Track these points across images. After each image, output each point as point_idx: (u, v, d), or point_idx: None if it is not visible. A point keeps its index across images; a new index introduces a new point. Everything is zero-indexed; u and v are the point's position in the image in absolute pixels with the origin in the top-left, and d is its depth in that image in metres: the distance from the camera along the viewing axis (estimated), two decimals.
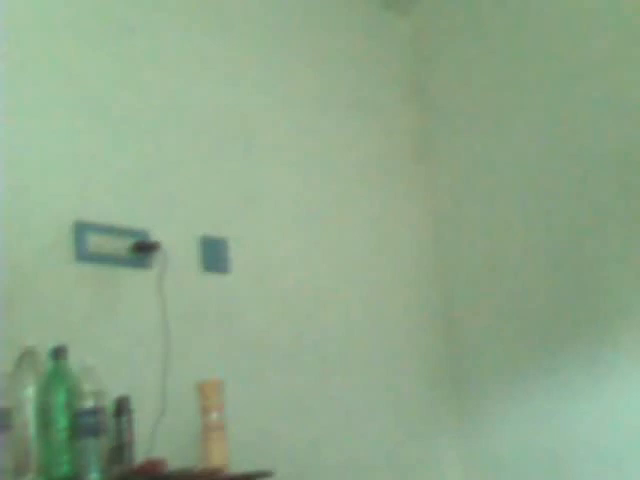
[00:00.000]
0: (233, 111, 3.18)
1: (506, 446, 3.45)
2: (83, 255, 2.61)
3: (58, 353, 2.20)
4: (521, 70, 3.54)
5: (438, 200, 3.82)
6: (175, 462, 2.38)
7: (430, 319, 3.69)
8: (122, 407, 2.34)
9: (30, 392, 2.18)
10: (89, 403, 2.21)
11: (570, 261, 3.29)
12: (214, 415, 2.47)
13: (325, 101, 3.54)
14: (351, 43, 3.74)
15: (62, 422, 2.15)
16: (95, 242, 2.65)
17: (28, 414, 2.16)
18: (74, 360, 2.22)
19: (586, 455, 3.18)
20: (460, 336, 3.67)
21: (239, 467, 2.46)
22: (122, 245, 2.72)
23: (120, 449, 2.29)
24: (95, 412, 2.21)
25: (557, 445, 3.28)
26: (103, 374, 2.28)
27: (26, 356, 2.21)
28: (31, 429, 2.15)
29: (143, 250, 2.75)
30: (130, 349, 2.63)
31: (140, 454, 2.36)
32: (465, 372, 3.63)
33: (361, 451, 3.22)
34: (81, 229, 2.62)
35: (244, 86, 3.24)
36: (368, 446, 3.25)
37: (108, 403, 2.27)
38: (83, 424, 2.18)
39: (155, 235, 2.79)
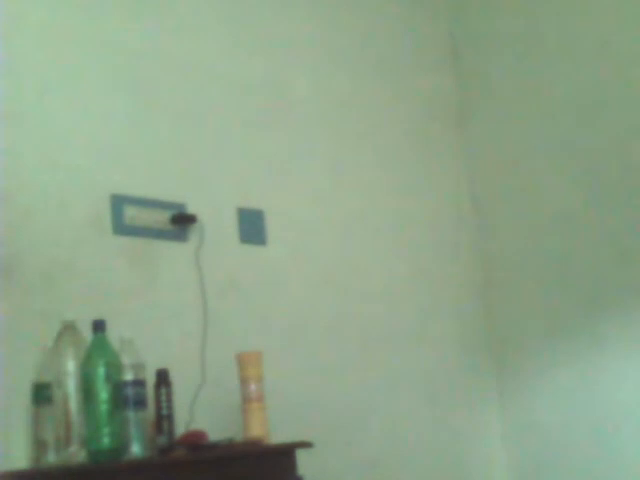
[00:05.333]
0: (269, 81, 3.16)
1: (547, 412, 3.44)
2: (120, 228, 2.62)
3: (97, 326, 2.21)
4: (563, 31, 3.47)
5: (477, 164, 3.77)
6: (215, 433, 2.40)
7: (471, 285, 3.67)
8: (162, 379, 2.35)
9: (70, 366, 2.20)
10: (130, 375, 2.23)
11: (613, 223, 3.25)
12: (253, 386, 2.47)
13: (361, 68, 3.50)
14: (387, 7, 3.69)
15: (103, 395, 2.16)
16: (132, 215, 2.66)
17: (69, 388, 2.19)
18: (113, 333, 2.23)
19: (628, 420, 3.16)
20: (501, 302, 3.64)
21: (278, 438, 2.47)
22: (159, 218, 2.73)
23: (160, 421, 2.31)
24: (136, 384, 2.23)
25: (598, 410, 3.27)
26: (142, 347, 2.29)
27: (66, 330, 2.23)
28: (72, 402, 2.18)
29: (180, 223, 2.75)
30: (168, 321, 2.64)
31: (180, 426, 2.39)
32: (505, 339, 3.61)
33: (402, 421, 3.22)
34: (118, 202, 2.63)
35: (279, 55, 3.22)
36: (409, 416, 3.25)
37: (147, 376, 2.29)
38: (124, 397, 2.20)
39: (192, 207, 2.79)
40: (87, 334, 2.21)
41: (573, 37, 3.42)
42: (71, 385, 2.19)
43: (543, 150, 3.51)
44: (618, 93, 3.25)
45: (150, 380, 2.31)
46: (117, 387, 2.18)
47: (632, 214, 3.19)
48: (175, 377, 2.37)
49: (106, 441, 2.14)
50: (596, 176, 3.31)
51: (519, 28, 3.63)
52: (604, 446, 3.23)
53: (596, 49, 3.34)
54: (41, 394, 2.18)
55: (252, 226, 2.96)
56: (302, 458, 2.44)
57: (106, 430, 2.15)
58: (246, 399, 2.46)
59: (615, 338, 3.21)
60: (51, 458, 2.14)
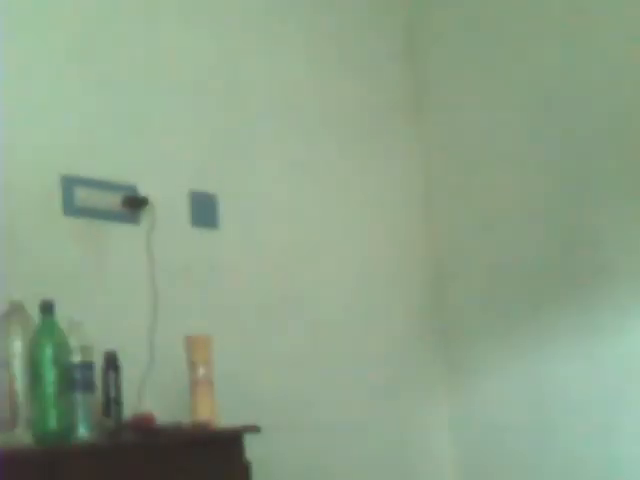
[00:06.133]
0: (224, 64, 3.15)
1: (493, 403, 3.48)
2: (71, 209, 2.60)
3: (46, 308, 2.19)
4: (521, 25, 3.50)
5: (432, 155, 3.79)
6: (162, 417, 2.39)
7: (421, 274, 3.70)
8: (110, 362, 2.34)
9: (18, 347, 2.18)
10: (77, 358, 2.22)
11: (563, 216, 3.30)
12: (202, 370, 2.48)
13: (316, 55, 3.50)
14: None
15: (50, 377, 2.15)
16: (83, 196, 2.64)
17: (16, 369, 2.17)
18: (62, 315, 2.21)
19: (573, 410, 3.21)
20: (450, 294, 3.67)
21: (227, 422, 2.47)
22: (111, 200, 2.71)
23: (108, 404, 2.30)
24: (84, 367, 2.22)
25: (544, 399, 3.32)
26: (91, 329, 2.28)
27: (13, 311, 2.21)
28: (19, 384, 2.16)
29: (132, 205, 2.74)
30: (118, 304, 2.63)
31: (128, 409, 2.37)
32: (455, 330, 3.64)
33: (349, 406, 3.24)
34: (69, 183, 2.61)
35: (234, 39, 3.20)
36: (357, 401, 3.27)
37: (96, 358, 2.28)
38: (71, 379, 2.19)
39: (144, 190, 2.77)
40: (35, 316, 2.19)
41: (532, 28, 3.45)
42: (18, 366, 2.16)
43: (498, 143, 3.54)
44: (577, 87, 3.29)
45: (98, 363, 2.30)
46: (65, 369, 2.17)
47: (583, 208, 3.23)
48: (124, 360, 2.36)
49: (52, 423, 2.13)
50: (550, 171, 3.35)
51: (477, 20, 3.65)
52: (548, 437, 3.28)
53: (557, 40, 3.36)
54: None
55: (204, 209, 2.96)
56: (249, 443, 2.45)
57: (53, 412, 2.14)
58: (194, 383, 2.47)
59: (562, 332, 3.26)
60: None
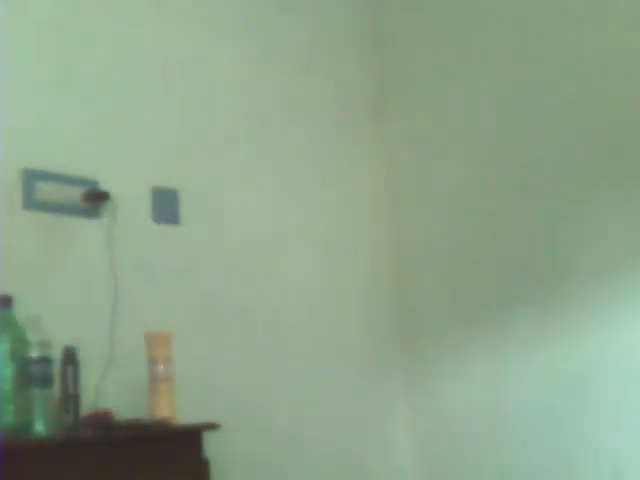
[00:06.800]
0: (187, 61, 3.14)
1: (451, 399, 3.50)
2: (31, 203, 2.58)
3: (3, 302, 2.18)
4: (487, 24, 3.51)
5: (394, 156, 3.81)
6: (121, 413, 2.39)
7: (381, 273, 3.71)
8: (69, 357, 2.33)
9: None
10: (35, 353, 2.21)
11: (522, 219, 3.31)
12: (161, 366, 2.47)
13: (280, 53, 3.50)
14: None
15: (7, 371, 2.14)
16: (44, 190, 2.62)
17: None
18: (20, 309, 2.20)
19: (529, 411, 3.23)
20: (410, 291, 3.69)
21: (188, 419, 2.47)
22: (72, 194, 2.69)
23: (66, 400, 2.29)
24: (41, 362, 2.21)
25: (501, 400, 3.33)
26: (50, 324, 2.27)
27: None
28: None
29: (93, 199, 2.72)
30: (78, 299, 2.61)
31: (86, 405, 2.37)
32: (413, 327, 3.65)
33: (311, 404, 3.24)
34: (30, 177, 2.58)
35: (197, 37, 3.20)
36: (318, 399, 3.28)
37: (54, 353, 2.26)
38: (29, 374, 2.18)
39: (105, 185, 2.76)
40: None
41: (495, 34, 3.47)
42: None
43: (460, 144, 3.56)
44: (538, 90, 3.31)
45: (57, 358, 2.29)
46: (22, 364, 2.16)
47: (542, 211, 3.26)
48: (83, 356, 2.35)
49: (9, 418, 2.13)
50: (509, 173, 3.37)
51: (442, 22, 3.67)
52: (506, 437, 3.30)
53: (518, 44, 3.38)
54: None
55: (166, 205, 2.95)
56: (209, 440, 2.45)
57: (9, 407, 2.13)
58: (154, 379, 2.46)
59: (520, 330, 3.28)
60: None
